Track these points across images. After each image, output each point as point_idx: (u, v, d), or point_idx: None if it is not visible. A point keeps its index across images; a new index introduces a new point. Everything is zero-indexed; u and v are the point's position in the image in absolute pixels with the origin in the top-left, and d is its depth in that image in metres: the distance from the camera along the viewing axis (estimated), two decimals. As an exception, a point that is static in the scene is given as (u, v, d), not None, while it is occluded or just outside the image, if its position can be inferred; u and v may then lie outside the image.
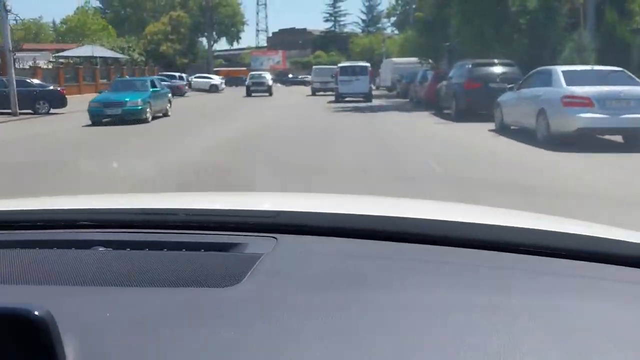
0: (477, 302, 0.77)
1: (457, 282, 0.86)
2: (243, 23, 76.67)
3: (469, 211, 1.34)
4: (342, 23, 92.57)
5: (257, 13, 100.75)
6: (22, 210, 1.26)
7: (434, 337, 0.68)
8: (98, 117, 16.47)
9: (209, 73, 49.92)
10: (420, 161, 9.28)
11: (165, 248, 1.01)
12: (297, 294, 0.81)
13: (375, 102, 27.35)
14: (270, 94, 35.94)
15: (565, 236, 1.03)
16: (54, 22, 68.37)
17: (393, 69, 39.61)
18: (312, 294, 0.81)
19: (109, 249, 1.01)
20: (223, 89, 45.59)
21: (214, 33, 65.72)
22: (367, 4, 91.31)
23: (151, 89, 18.62)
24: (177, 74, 39.49)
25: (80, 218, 1.15)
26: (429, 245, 1.00)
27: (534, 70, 12.28)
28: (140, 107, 16.88)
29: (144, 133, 14.62)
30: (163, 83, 26.86)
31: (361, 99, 26.82)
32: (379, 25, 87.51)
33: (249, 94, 35.54)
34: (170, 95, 21.11)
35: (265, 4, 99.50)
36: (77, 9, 59.68)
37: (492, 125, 13.39)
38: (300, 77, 68.21)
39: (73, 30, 56.49)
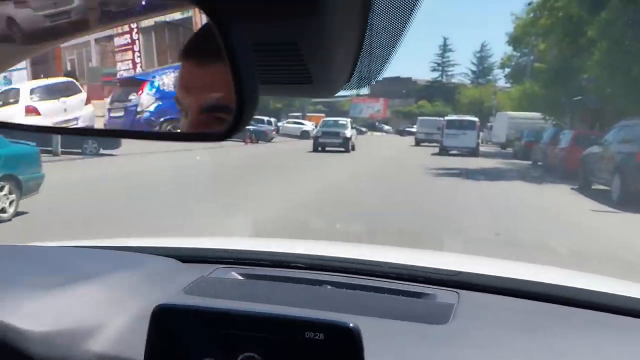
0: None
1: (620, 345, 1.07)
2: None
3: (631, 287, 1.49)
4: (449, 73, 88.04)
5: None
6: (277, 252, 1.59)
7: None
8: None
9: (303, 119, 46.35)
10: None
11: (372, 291, 1.30)
12: (490, 334, 1.07)
13: (487, 161, 22.81)
14: (347, 150, 25.51)
15: None
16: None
17: (509, 124, 34.48)
18: (499, 336, 1.07)
19: (333, 287, 1.32)
20: (315, 136, 42.11)
21: None
22: (478, 55, 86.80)
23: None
24: (265, 118, 36.22)
25: (314, 263, 1.48)
26: (592, 311, 1.21)
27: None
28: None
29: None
30: (251, 127, 25.77)
31: (466, 154, 25.90)
32: (490, 77, 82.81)
33: (316, 148, 25.41)
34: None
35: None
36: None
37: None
38: (401, 127, 64.08)
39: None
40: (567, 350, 1.02)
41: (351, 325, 0.79)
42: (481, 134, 36.04)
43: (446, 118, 29.53)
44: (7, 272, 1.17)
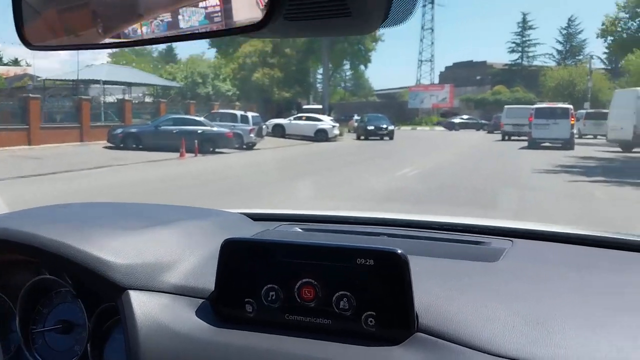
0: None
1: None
2: (375, 39, 51.50)
3: None
4: (531, 54, 74.20)
5: (421, 40, 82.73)
6: (345, 216, 1.68)
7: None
8: None
9: (323, 112, 34.02)
10: None
11: (427, 240, 1.39)
12: (539, 270, 1.11)
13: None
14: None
15: None
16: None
17: (638, 108, 21.01)
18: (548, 272, 1.10)
19: (389, 237, 1.42)
20: (336, 136, 29.66)
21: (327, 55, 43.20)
22: (564, 32, 72.43)
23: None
24: (238, 113, 24.22)
25: (373, 220, 1.62)
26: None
27: None
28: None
29: None
30: (201, 128, 20.55)
31: (559, 146, 23.60)
32: (580, 57, 68.20)
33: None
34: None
35: (431, 29, 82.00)
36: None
37: None
38: (465, 118, 50.83)
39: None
40: (617, 284, 1.03)
41: (399, 251, 0.86)
42: (577, 125, 28.36)
43: (534, 106, 26.47)
44: (95, 217, 1.32)
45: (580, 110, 35.88)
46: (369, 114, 34.14)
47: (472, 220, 1.54)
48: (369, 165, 16.53)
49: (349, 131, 36.18)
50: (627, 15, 41.97)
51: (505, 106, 32.78)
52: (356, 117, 35.19)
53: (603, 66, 65.40)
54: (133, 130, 21.55)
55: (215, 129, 20.74)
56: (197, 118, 22.16)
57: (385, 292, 0.87)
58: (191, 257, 1.10)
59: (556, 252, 1.29)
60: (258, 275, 0.93)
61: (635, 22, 43.05)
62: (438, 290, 0.94)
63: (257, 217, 1.56)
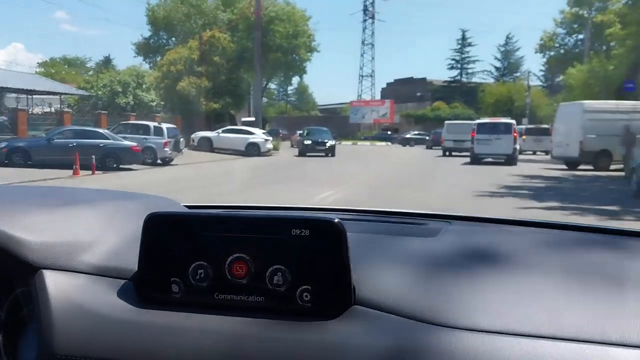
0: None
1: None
2: (310, 49, 47.79)
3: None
4: (470, 71, 74.60)
5: (362, 55, 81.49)
6: None
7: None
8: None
9: (257, 126, 31.26)
10: None
11: (367, 221, 1.45)
12: (477, 242, 1.16)
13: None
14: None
15: None
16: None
17: (584, 122, 19.87)
18: (486, 243, 1.15)
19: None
20: (270, 150, 27.50)
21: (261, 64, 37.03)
22: (502, 49, 73.37)
23: None
24: (151, 125, 21.50)
25: (306, 207, 1.67)
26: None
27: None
28: None
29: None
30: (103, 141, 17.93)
31: (502, 162, 23.37)
32: (517, 74, 69.48)
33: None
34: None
35: (372, 44, 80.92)
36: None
37: None
38: (415, 133, 50.13)
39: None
40: (554, 256, 1.06)
41: (336, 220, 0.83)
42: (519, 140, 26.79)
43: (477, 121, 26.31)
44: (6, 194, 1.27)
45: (520, 126, 35.62)
46: (309, 127, 32.44)
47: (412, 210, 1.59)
48: (289, 185, 14.30)
49: (292, 146, 34.66)
50: (564, 31, 41.76)
51: (446, 122, 32.46)
52: (299, 132, 33.55)
53: (540, 83, 66.56)
54: (20, 144, 18.63)
55: (121, 142, 18.19)
56: (100, 130, 19.55)
57: (322, 264, 0.83)
58: (114, 237, 1.03)
59: (495, 230, 1.36)
60: (185, 252, 0.87)
61: (571, 38, 42.96)
62: (376, 262, 0.93)
63: (191, 206, 1.50)
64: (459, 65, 74.40)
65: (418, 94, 70.87)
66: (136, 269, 0.91)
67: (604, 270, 0.95)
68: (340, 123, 60.40)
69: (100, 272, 0.93)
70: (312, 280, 0.83)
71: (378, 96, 73.23)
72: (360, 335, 0.78)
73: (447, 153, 29.93)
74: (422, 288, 0.84)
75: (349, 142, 50.25)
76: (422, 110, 64.09)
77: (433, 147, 38.28)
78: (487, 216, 1.47)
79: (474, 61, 74.07)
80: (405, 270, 0.90)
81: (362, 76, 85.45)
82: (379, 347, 0.76)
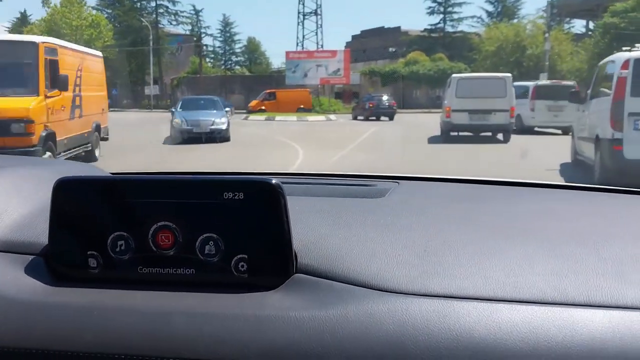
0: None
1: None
2: None
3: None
4: (455, 17, 58.58)
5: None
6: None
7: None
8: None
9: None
10: None
11: (314, 184, 1.37)
12: (427, 201, 1.12)
13: None
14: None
15: None
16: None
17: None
18: (436, 202, 1.12)
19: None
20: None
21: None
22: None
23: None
24: None
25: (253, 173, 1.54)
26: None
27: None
28: None
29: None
30: None
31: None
32: (514, 20, 55.53)
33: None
34: None
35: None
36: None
37: None
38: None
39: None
40: (508, 213, 1.04)
41: (273, 181, 0.77)
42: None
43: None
44: None
45: (524, 83, 21.94)
46: (187, 98, 22.86)
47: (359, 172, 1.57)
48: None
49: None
50: None
51: (454, 75, 18.65)
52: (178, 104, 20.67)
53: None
54: None
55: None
56: None
57: (258, 230, 0.77)
58: (20, 208, 0.94)
59: (446, 188, 1.34)
60: (103, 222, 0.79)
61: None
62: (319, 226, 0.88)
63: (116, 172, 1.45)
64: (441, 9, 58.10)
65: (391, 50, 58.44)
66: (47, 242, 0.82)
67: (563, 227, 0.91)
68: (275, 85, 42.55)
69: (5, 248, 0.84)
70: (249, 249, 0.76)
71: (331, 47, 54.86)
72: (303, 306, 0.72)
73: (452, 132, 17.20)
74: (370, 252, 0.79)
75: (264, 117, 32.55)
76: (393, 65, 46.85)
77: (358, 117, 31.60)
78: (439, 176, 1.46)
79: (459, 3, 58.72)
80: (350, 232, 0.86)
81: (303, 14, 58.26)
82: (323, 318, 0.70)
